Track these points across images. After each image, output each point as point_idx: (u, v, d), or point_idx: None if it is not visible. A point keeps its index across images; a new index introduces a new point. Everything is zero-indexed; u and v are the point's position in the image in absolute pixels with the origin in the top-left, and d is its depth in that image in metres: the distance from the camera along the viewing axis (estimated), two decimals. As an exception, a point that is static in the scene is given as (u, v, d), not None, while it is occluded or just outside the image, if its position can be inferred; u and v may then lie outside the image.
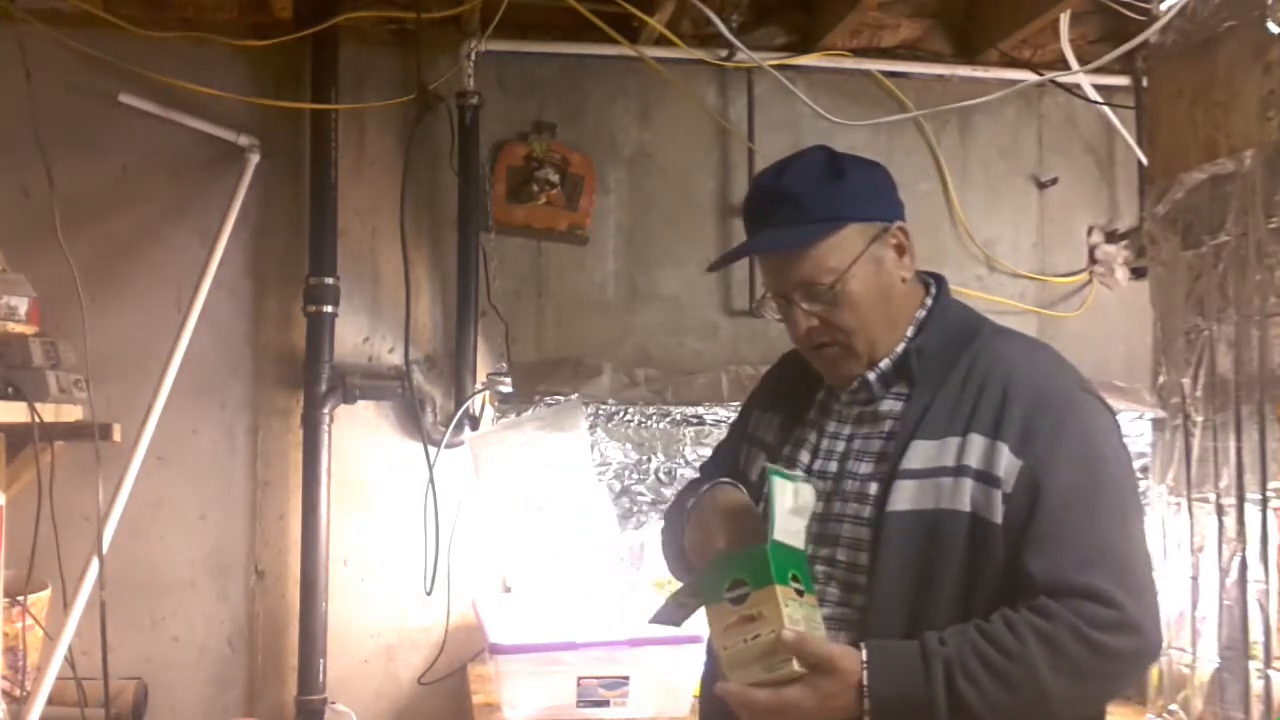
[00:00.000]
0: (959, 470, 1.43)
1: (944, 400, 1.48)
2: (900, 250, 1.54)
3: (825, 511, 1.52)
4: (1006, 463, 1.41)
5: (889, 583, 1.42)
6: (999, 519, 1.41)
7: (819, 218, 1.49)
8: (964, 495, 1.42)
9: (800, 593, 1.38)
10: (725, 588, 1.40)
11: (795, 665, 1.33)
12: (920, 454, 1.45)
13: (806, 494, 1.48)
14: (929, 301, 1.58)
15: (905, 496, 1.44)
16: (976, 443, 1.43)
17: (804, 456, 1.57)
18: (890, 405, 1.53)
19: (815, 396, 1.63)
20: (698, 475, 1.82)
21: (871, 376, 1.54)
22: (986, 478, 1.42)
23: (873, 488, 1.48)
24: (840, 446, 1.55)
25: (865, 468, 1.50)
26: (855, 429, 1.55)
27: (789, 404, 1.66)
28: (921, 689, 1.33)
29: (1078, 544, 1.39)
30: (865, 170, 1.56)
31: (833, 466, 1.54)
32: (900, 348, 1.54)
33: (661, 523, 1.78)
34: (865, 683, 1.34)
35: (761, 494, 1.54)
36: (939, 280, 1.61)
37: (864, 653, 1.36)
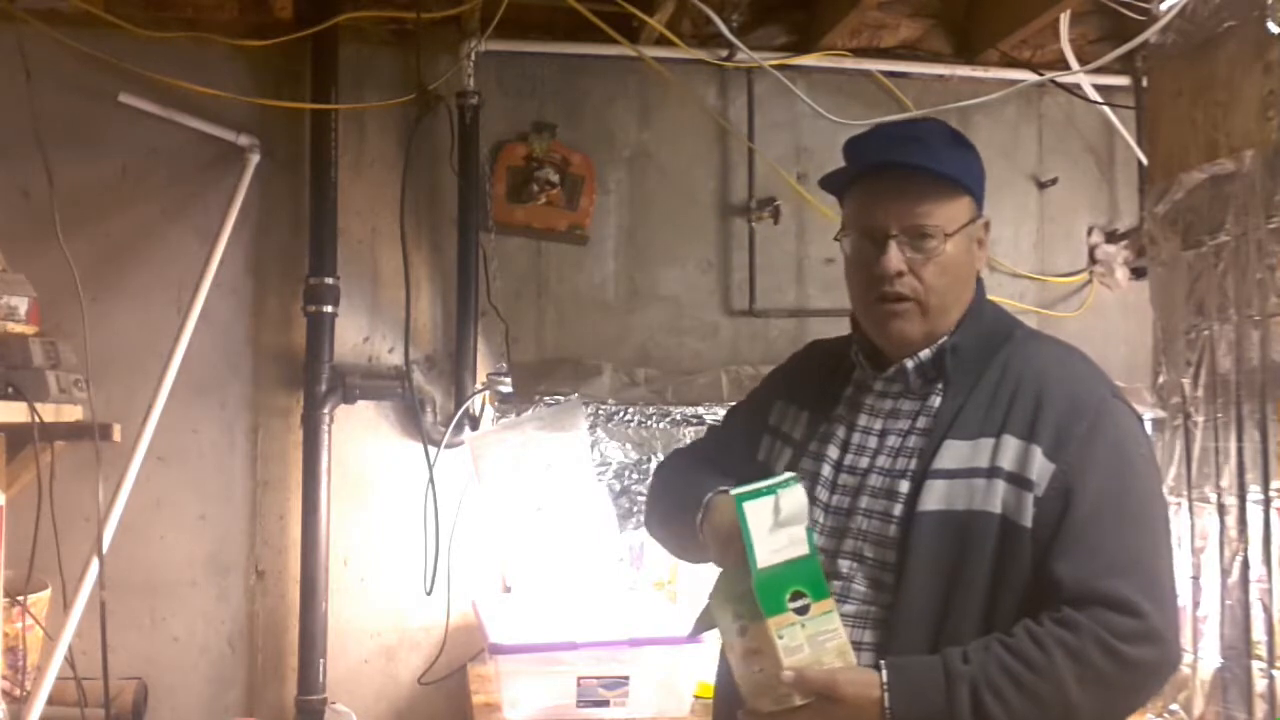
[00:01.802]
0: (992, 472, 1.42)
1: (977, 400, 1.48)
2: (980, 244, 1.58)
3: (852, 506, 1.51)
4: (1039, 466, 1.41)
5: (918, 583, 1.42)
6: (1028, 522, 1.40)
7: (949, 172, 1.51)
8: (995, 497, 1.41)
9: (804, 609, 1.36)
10: (729, 618, 1.40)
11: (797, 700, 1.33)
12: (952, 454, 1.45)
13: (791, 498, 1.40)
14: (968, 299, 1.58)
15: (936, 496, 1.43)
16: (1010, 445, 1.43)
17: (832, 451, 1.56)
18: (923, 402, 1.52)
19: (843, 391, 1.62)
20: (693, 444, 1.83)
21: (910, 365, 1.53)
22: (1019, 480, 1.41)
23: (903, 486, 1.47)
24: (871, 442, 1.54)
25: (896, 465, 1.49)
26: (887, 424, 1.54)
27: (815, 398, 1.64)
28: (944, 709, 1.32)
29: (1106, 551, 1.38)
30: (979, 158, 1.59)
31: (863, 462, 1.53)
32: (943, 339, 1.54)
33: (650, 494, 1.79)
34: (887, 705, 1.33)
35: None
36: (977, 281, 1.61)
37: (884, 674, 1.34)
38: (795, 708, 1.34)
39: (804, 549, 1.40)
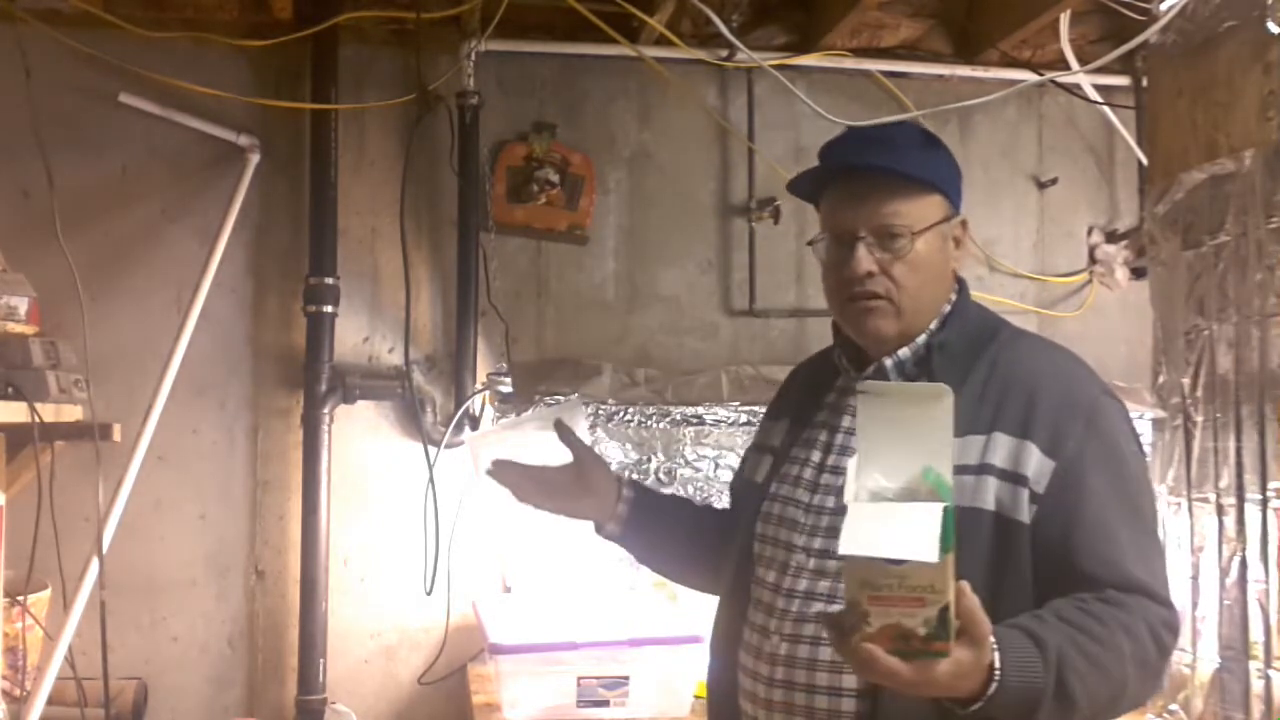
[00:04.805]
0: (982, 469, 1.42)
1: (966, 398, 1.45)
2: (957, 243, 1.57)
3: (836, 506, 1.50)
4: (1037, 463, 1.41)
5: None
6: (1026, 518, 1.40)
7: (915, 173, 1.51)
8: (987, 494, 1.41)
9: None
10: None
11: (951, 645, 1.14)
12: None
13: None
14: (953, 298, 1.59)
15: None
16: (1002, 442, 1.43)
17: (815, 455, 1.57)
18: None
19: (824, 399, 1.63)
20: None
21: (889, 363, 1.54)
22: (1013, 477, 1.41)
23: None
24: (855, 442, 1.53)
25: None
26: None
27: (795, 408, 1.66)
28: (1041, 679, 1.24)
29: (1128, 544, 1.39)
30: (952, 157, 1.59)
31: (846, 462, 1.51)
32: (922, 339, 1.54)
33: None
34: (998, 666, 1.21)
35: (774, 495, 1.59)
36: (960, 281, 1.62)
37: (992, 638, 1.21)
38: (947, 644, 1.16)
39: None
